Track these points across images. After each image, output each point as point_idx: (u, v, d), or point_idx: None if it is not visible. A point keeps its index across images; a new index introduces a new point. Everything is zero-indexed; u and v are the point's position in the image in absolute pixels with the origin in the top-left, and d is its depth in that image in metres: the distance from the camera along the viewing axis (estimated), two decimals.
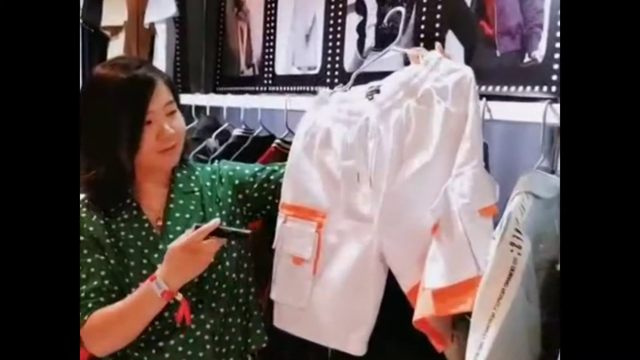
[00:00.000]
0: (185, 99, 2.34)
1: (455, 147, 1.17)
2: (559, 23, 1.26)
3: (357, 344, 1.33)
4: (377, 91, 1.34)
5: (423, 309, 1.15)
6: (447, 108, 1.19)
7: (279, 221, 1.46)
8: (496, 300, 0.97)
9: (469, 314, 1.06)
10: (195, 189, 1.53)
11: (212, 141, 2.14)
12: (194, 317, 1.43)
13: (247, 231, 1.46)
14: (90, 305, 1.39)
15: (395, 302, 1.28)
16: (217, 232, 1.37)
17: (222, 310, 1.47)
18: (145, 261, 1.43)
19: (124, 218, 1.47)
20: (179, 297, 1.38)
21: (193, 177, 1.55)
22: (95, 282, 1.40)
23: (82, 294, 1.39)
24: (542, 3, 1.29)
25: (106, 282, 1.41)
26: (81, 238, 1.43)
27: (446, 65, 1.24)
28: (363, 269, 1.31)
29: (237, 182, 1.57)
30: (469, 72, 1.21)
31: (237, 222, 1.52)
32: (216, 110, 2.38)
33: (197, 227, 1.37)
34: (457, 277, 1.10)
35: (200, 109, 2.41)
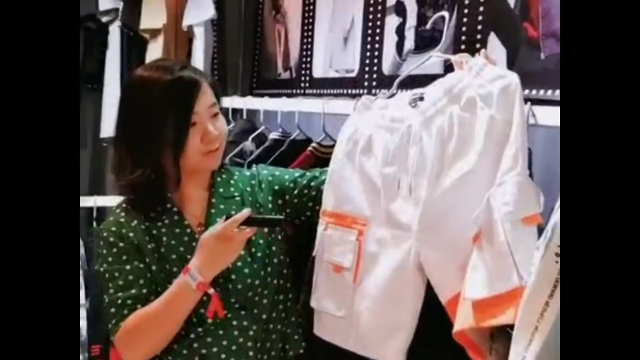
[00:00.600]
0: (224, 102, 2.33)
1: (498, 154, 1.14)
2: None
3: (394, 354, 1.30)
4: (421, 98, 1.31)
5: (463, 321, 1.12)
6: (492, 115, 1.16)
7: (320, 228, 1.44)
8: (540, 312, 0.93)
9: (510, 326, 1.03)
10: (236, 193, 1.52)
11: (248, 144, 2.13)
12: (237, 323, 1.42)
13: (280, 217, 1.46)
14: (126, 312, 1.38)
15: (433, 313, 1.25)
16: (249, 222, 1.36)
17: (264, 316, 1.45)
18: None
19: (164, 223, 1.45)
20: (211, 290, 1.37)
21: (232, 182, 1.54)
22: (133, 290, 1.39)
23: (119, 301, 1.38)
24: None
25: (144, 290, 1.40)
26: (120, 244, 1.42)
27: (491, 71, 1.21)
28: (401, 277, 1.28)
29: (276, 187, 1.55)
30: (515, 78, 1.17)
31: (277, 228, 1.51)
32: (252, 113, 2.38)
33: (227, 217, 1.36)
34: (498, 287, 1.07)
35: (237, 112, 2.41)
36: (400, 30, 1.80)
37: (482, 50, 1.30)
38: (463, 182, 1.19)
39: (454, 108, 1.23)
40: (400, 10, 1.80)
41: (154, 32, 2.72)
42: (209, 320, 1.40)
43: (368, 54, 1.93)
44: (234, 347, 1.41)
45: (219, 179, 1.53)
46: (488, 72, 1.21)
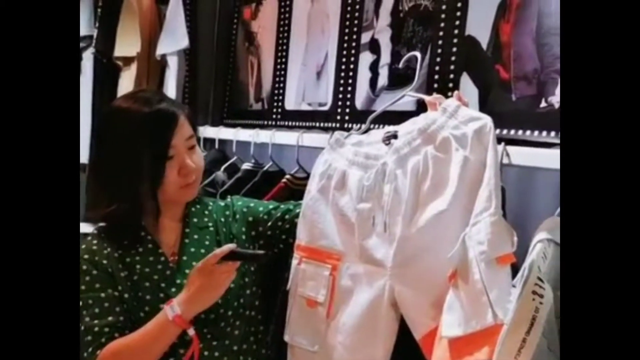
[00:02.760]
0: None
1: (472, 194, 1.17)
2: None
3: None
4: (394, 136, 1.34)
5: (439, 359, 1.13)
6: (466, 156, 1.18)
7: (294, 262, 1.45)
8: (517, 349, 0.95)
9: None
10: (210, 224, 1.52)
11: (220, 174, 2.14)
12: (208, 354, 1.41)
13: (261, 252, 1.45)
14: (103, 340, 1.36)
15: (407, 348, 1.27)
16: (231, 256, 1.36)
17: (235, 348, 1.45)
18: (162, 295, 1.40)
19: (138, 251, 1.45)
20: (191, 332, 1.36)
21: (206, 212, 1.54)
22: (110, 318, 1.38)
23: (96, 329, 1.36)
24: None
25: (121, 318, 1.39)
26: (94, 272, 1.41)
27: (465, 113, 1.24)
28: (374, 313, 1.30)
29: (250, 219, 1.56)
30: (488, 121, 1.21)
31: (258, 263, 1.51)
32: (224, 142, 2.38)
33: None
34: (473, 325, 1.09)
35: (208, 141, 2.41)
36: (374, 67, 1.84)
37: (456, 92, 1.34)
38: (437, 220, 1.21)
39: (429, 148, 1.25)
40: (374, 47, 1.84)
41: (127, 60, 2.71)
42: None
43: (341, 88, 1.96)
44: None
45: (193, 209, 1.53)
46: (462, 113, 1.24)
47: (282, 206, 1.58)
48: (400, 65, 1.53)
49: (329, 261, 1.39)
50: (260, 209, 1.57)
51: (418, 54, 1.48)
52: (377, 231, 1.31)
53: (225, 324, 1.43)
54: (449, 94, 1.41)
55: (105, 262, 1.42)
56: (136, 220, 1.46)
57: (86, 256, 1.42)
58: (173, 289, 1.41)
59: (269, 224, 1.55)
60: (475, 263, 1.10)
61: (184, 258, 1.46)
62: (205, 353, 1.41)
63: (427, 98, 1.37)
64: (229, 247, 1.36)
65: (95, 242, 1.45)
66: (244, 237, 1.53)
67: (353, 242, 1.35)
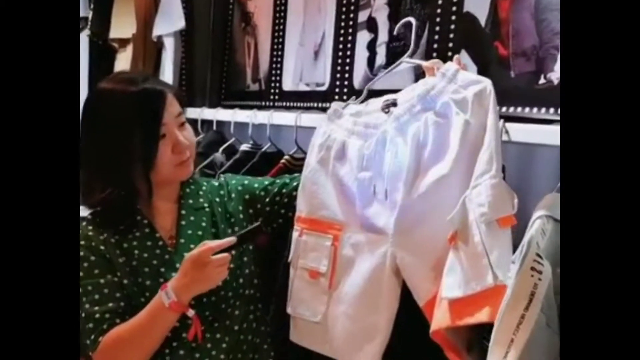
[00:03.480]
0: (193, 112, 2.33)
1: (473, 158, 1.16)
2: None
3: (369, 357, 1.31)
4: (394, 104, 1.33)
5: (440, 321, 1.13)
6: (467, 120, 1.18)
7: (294, 234, 1.45)
8: (516, 325, 0.95)
9: (486, 337, 1.05)
10: (205, 204, 1.50)
11: (219, 156, 2.13)
12: (210, 336, 1.41)
13: (256, 224, 1.43)
14: (105, 326, 1.35)
15: (408, 317, 1.26)
16: (232, 246, 1.35)
17: (236, 327, 1.45)
18: (162, 280, 1.39)
19: (135, 236, 1.43)
20: (191, 313, 1.35)
21: (201, 193, 1.53)
22: (110, 304, 1.36)
23: (97, 316, 1.35)
24: (559, 25, 1.30)
25: (121, 303, 1.37)
26: (92, 258, 1.39)
27: (465, 76, 1.23)
28: (377, 281, 1.30)
29: (247, 196, 1.54)
30: (488, 84, 1.20)
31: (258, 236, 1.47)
32: (221, 124, 2.37)
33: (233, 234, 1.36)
34: (473, 287, 1.09)
35: (205, 123, 2.40)
36: (371, 46, 1.83)
37: (456, 56, 1.33)
38: (439, 185, 1.21)
39: (429, 114, 1.25)
40: (372, 26, 1.83)
41: (123, 42, 2.70)
42: (192, 344, 1.39)
43: (339, 68, 1.95)
44: None
45: (187, 190, 1.51)
46: (462, 77, 1.23)
47: (277, 181, 1.57)
48: (395, 32, 1.51)
49: (330, 231, 1.38)
50: (256, 185, 1.56)
51: (413, 20, 1.45)
52: (378, 199, 1.30)
53: (225, 305, 1.43)
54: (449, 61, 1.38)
55: (102, 247, 1.40)
56: (132, 204, 1.44)
57: (83, 242, 1.40)
58: (173, 273, 1.39)
59: (267, 199, 1.54)
60: (476, 225, 1.10)
61: (182, 241, 1.45)
62: (207, 335, 1.41)
63: (424, 63, 1.35)
64: (228, 241, 1.35)
65: (90, 227, 1.43)
66: (241, 215, 1.52)
67: (354, 211, 1.35)
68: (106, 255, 1.40)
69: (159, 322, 1.35)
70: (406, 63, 1.48)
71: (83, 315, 1.36)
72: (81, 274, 1.38)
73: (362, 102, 1.48)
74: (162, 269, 1.40)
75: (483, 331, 1.11)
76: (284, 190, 1.54)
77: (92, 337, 1.35)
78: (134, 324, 1.35)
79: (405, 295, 1.27)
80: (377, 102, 1.40)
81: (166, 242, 1.44)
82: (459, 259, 1.13)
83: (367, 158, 1.32)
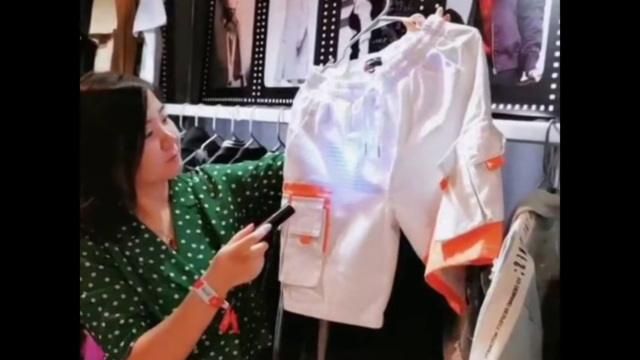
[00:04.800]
0: (175, 109, 2.32)
1: (465, 106, 1.16)
2: (557, 43, 1.28)
3: (374, 317, 1.29)
4: (378, 63, 1.32)
5: (434, 263, 1.13)
6: (458, 69, 1.17)
7: (283, 202, 1.41)
8: (499, 319, 0.96)
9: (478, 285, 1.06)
10: (196, 201, 1.47)
11: (201, 152, 2.12)
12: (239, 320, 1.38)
13: (287, 205, 1.37)
14: (134, 331, 1.29)
15: (405, 275, 1.26)
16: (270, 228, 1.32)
17: (239, 304, 1.42)
18: (173, 285, 1.35)
19: (135, 243, 1.37)
20: (226, 305, 1.31)
21: (189, 189, 1.49)
22: (131, 308, 1.31)
23: (122, 322, 1.29)
24: (541, 23, 1.31)
25: (142, 307, 1.32)
26: (100, 267, 1.32)
27: (450, 27, 1.22)
28: (377, 240, 1.28)
29: (233, 185, 1.52)
30: (476, 32, 1.20)
31: (242, 226, 1.41)
32: (202, 121, 2.37)
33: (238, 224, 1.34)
34: (464, 226, 1.08)
35: (186, 119, 2.39)
36: (354, 43, 1.83)
37: (439, 8, 1.31)
38: (433, 137, 1.20)
39: (417, 67, 1.24)
40: (354, 23, 1.83)
41: (104, 37, 2.68)
42: (220, 333, 1.36)
43: (322, 64, 1.95)
44: (227, 349, 1.38)
45: (177, 189, 1.48)
46: (448, 28, 1.22)
47: (261, 164, 1.55)
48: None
49: (321, 195, 1.36)
50: (240, 173, 1.54)
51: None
52: (371, 158, 1.29)
53: (235, 289, 1.38)
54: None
55: (107, 256, 1.34)
56: (122, 211, 1.39)
57: (85, 253, 1.32)
58: (183, 277, 1.36)
59: (255, 184, 1.52)
60: (466, 168, 1.10)
61: (182, 242, 1.41)
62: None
63: (405, 19, 1.33)
64: (265, 229, 1.31)
65: (87, 237, 1.34)
66: (232, 206, 1.49)
67: (344, 173, 1.34)
68: (114, 263, 1.34)
69: (198, 319, 1.30)
70: (384, 21, 1.46)
71: (104, 324, 1.30)
72: (91, 285, 1.31)
73: (339, 64, 1.47)
74: (172, 274, 1.36)
75: (482, 277, 1.10)
76: (269, 172, 1.52)
77: (122, 344, 1.28)
78: (168, 325, 1.30)
79: (400, 251, 1.27)
80: (360, 64, 1.39)
81: (168, 246, 1.40)
82: (450, 202, 1.13)
83: (356, 118, 1.31)
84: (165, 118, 1.40)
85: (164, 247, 1.38)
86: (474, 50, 1.18)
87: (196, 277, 1.35)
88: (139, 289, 1.33)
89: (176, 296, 1.33)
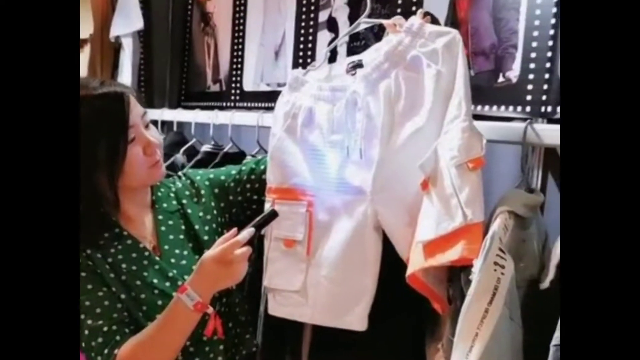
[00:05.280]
0: (154, 114, 2.31)
1: (446, 107, 1.17)
2: (533, 44, 1.29)
3: (358, 319, 1.29)
4: (360, 65, 1.33)
5: (415, 264, 1.14)
6: (439, 70, 1.18)
7: (266, 206, 1.41)
8: (480, 319, 0.97)
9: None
10: (178, 206, 1.47)
11: (180, 157, 2.12)
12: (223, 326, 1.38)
13: (271, 209, 1.37)
14: (118, 338, 1.28)
15: (388, 276, 1.26)
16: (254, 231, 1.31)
17: (224, 309, 1.41)
18: (157, 291, 1.34)
19: (118, 249, 1.36)
20: (210, 310, 1.29)
21: (172, 195, 1.48)
22: (115, 315, 1.30)
23: (105, 329, 1.28)
24: (517, 24, 1.33)
25: (125, 314, 1.31)
26: (82, 274, 1.31)
27: (431, 29, 1.23)
28: (359, 242, 1.28)
29: (216, 190, 1.51)
30: (456, 33, 1.21)
31: (225, 231, 1.40)
32: (181, 125, 2.36)
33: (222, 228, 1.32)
34: (444, 227, 1.09)
35: (165, 124, 2.38)
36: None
37: (420, 10, 1.31)
38: (416, 137, 1.21)
39: (399, 69, 1.24)
40: (332, 26, 1.84)
41: (81, 43, 2.65)
42: (205, 338, 1.35)
43: (300, 68, 1.94)
44: (211, 355, 1.37)
45: (159, 194, 1.46)
46: (428, 30, 1.23)
47: (243, 168, 1.54)
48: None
49: (304, 198, 1.36)
50: (223, 177, 1.53)
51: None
52: (353, 160, 1.29)
53: (219, 294, 1.38)
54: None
55: (90, 263, 1.33)
56: (103, 217, 1.38)
57: None
58: (167, 283, 1.35)
59: (238, 189, 1.51)
60: (447, 169, 1.11)
61: (166, 247, 1.40)
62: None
63: (385, 22, 1.33)
64: (248, 232, 1.29)
65: None
66: (214, 211, 1.48)
67: (327, 175, 1.34)
68: (97, 270, 1.33)
69: (182, 324, 1.28)
70: (365, 24, 1.46)
71: (87, 332, 1.29)
72: None
73: (319, 66, 1.47)
74: (155, 280, 1.35)
75: (462, 277, 1.12)
76: (252, 176, 1.51)
77: (106, 351, 1.27)
78: (152, 332, 1.28)
79: (383, 253, 1.27)
80: (341, 67, 1.39)
81: (151, 252, 1.38)
82: (431, 203, 1.13)
83: (338, 121, 1.31)
84: (147, 123, 1.39)
85: (147, 253, 1.37)
86: (455, 52, 1.19)
87: (180, 282, 1.34)
88: (123, 296, 1.32)
89: (160, 302, 1.32)
